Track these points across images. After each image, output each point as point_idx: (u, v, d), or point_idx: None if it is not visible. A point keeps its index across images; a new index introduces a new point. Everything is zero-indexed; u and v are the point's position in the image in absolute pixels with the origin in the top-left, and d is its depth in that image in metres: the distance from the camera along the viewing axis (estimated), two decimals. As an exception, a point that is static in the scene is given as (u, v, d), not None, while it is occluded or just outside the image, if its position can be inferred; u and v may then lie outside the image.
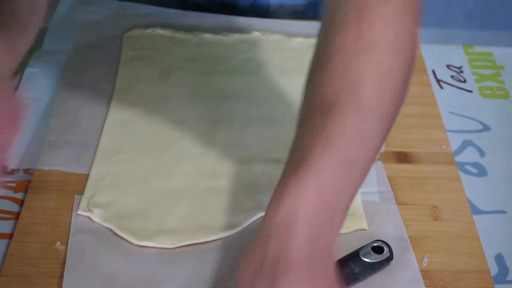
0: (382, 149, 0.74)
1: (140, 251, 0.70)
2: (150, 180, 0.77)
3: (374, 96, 0.59)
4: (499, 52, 1.03)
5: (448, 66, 0.99)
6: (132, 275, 0.67)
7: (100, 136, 0.82)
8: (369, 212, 0.75)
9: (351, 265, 0.66)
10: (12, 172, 0.79)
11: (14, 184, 0.78)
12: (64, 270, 0.67)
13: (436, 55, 1.00)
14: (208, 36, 0.98)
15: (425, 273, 0.69)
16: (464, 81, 0.97)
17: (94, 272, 0.67)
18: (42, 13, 0.72)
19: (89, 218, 0.73)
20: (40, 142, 0.81)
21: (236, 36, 0.98)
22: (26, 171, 0.79)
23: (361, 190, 0.64)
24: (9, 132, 0.58)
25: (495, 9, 2.10)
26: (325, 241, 0.56)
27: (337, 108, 0.59)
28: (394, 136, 0.82)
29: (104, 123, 0.83)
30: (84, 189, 0.75)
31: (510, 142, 0.87)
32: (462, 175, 0.81)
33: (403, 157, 0.82)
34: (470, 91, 0.95)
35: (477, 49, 1.03)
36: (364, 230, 0.73)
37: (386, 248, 0.69)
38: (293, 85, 0.90)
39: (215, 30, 0.99)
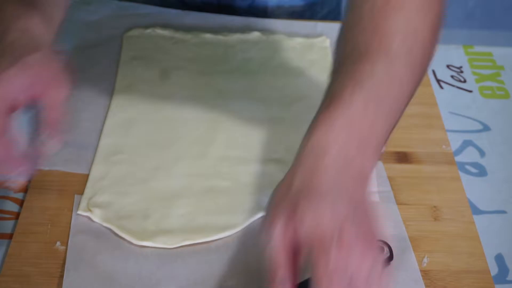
0: (383, 150, 0.74)
1: (140, 251, 0.70)
2: (150, 180, 0.77)
3: (403, 47, 0.63)
4: (499, 52, 1.03)
5: (448, 66, 0.99)
6: (132, 275, 0.67)
7: (100, 136, 0.82)
8: (369, 212, 0.75)
9: None
10: (12, 172, 0.79)
11: (14, 184, 0.78)
12: (64, 270, 0.67)
13: (436, 55, 1.00)
14: (208, 36, 0.98)
15: (425, 273, 0.70)
16: (464, 81, 0.97)
17: (94, 272, 0.67)
18: None
19: (89, 218, 0.73)
20: (40, 142, 0.81)
21: (236, 36, 0.98)
22: (26, 171, 0.79)
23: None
24: (59, 91, 0.65)
25: (495, 9, 2.10)
26: (355, 171, 0.58)
27: (367, 56, 0.63)
28: (394, 136, 0.81)
29: (104, 123, 0.83)
30: (84, 189, 0.75)
31: (510, 142, 0.87)
32: (462, 175, 0.81)
33: (403, 157, 0.82)
34: (470, 91, 0.95)
35: (477, 49, 1.03)
36: (364, 230, 0.73)
37: (386, 248, 0.69)
38: (293, 85, 0.90)
39: (215, 30, 0.99)
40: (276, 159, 0.80)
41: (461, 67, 0.99)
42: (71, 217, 0.73)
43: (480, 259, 0.72)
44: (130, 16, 1.00)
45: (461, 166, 0.83)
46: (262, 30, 0.99)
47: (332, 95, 0.63)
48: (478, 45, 1.04)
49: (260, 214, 0.73)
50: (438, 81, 0.96)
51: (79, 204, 0.74)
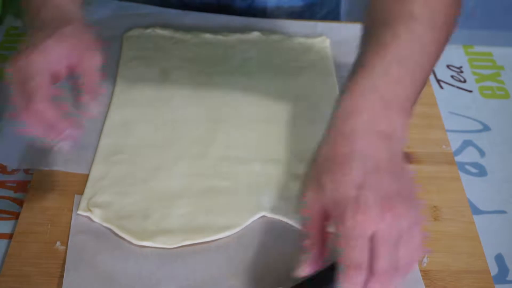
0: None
1: (140, 251, 0.70)
2: (150, 180, 0.77)
3: (425, 10, 0.68)
4: (499, 52, 1.03)
5: (448, 66, 0.99)
6: (132, 275, 0.67)
7: (100, 136, 0.82)
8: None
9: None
10: (12, 172, 0.79)
11: (14, 184, 0.78)
12: (64, 270, 0.67)
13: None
14: (208, 36, 0.98)
15: (425, 273, 0.70)
16: (464, 81, 0.97)
17: (94, 272, 0.67)
18: None
19: (89, 218, 0.73)
20: (40, 142, 0.81)
21: (236, 36, 0.98)
22: (26, 171, 0.79)
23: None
24: (93, 59, 0.70)
25: (495, 9, 2.10)
26: (381, 133, 0.62)
27: (390, 21, 0.68)
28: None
29: (104, 123, 0.83)
30: (84, 189, 0.75)
31: (510, 142, 0.87)
32: (462, 175, 0.81)
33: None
34: (470, 91, 0.95)
35: (477, 49, 1.03)
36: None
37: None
38: (293, 85, 0.90)
39: (215, 30, 0.99)
40: (276, 159, 0.80)
41: (461, 67, 0.99)
42: (71, 217, 0.73)
43: (480, 259, 0.72)
44: (130, 16, 1.00)
45: (461, 166, 0.83)
46: (262, 30, 0.99)
47: (358, 62, 0.68)
48: (478, 45, 1.04)
49: (260, 214, 0.73)
50: (438, 81, 0.96)
51: (79, 204, 0.74)
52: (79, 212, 0.73)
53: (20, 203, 0.75)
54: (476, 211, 0.78)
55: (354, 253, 0.57)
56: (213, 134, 0.83)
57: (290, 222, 0.73)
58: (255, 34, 0.98)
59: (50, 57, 0.67)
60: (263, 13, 1.06)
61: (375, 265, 0.57)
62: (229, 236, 0.72)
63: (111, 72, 0.91)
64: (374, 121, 0.62)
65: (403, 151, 0.63)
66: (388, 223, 0.57)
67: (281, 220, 0.73)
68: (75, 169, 0.78)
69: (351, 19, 1.19)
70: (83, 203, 0.74)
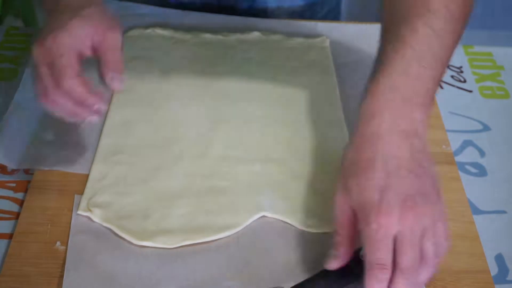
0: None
1: (140, 251, 0.70)
2: (150, 180, 0.77)
3: (441, 3, 0.70)
4: (499, 52, 1.03)
5: (448, 66, 0.99)
6: (132, 275, 0.67)
7: (100, 136, 0.82)
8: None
9: (351, 266, 0.66)
10: (12, 172, 0.79)
11: (14, 184, 0.78)
12: (64, 270, 0.67)
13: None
14: (207, 36, 0.98)
15: (425, 273, 0.69)
16: (464, 81, 0.97)
17: (94, 272, 0.67)
18: None
19: (89, 218, 0.73)
20: (40, 142, 0.81)
21: (236, 36, 0.98)
22: (26, 171, 0.79)
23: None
24: (115, 37, 0.74)
25: (495, 9, 2.10)
26: (401, 132, 0.65)
27: (407, 16, 0.70)
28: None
29: (104, 123, 0.83)
30: (84, 189, 0.75)
31: (510, 142, 0.88)
32: (462, 175, 0.81)
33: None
34: (470, 91, 0.95)
35: (477, 49, 1.03)
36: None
37: None
38: (293, 85, 0.90)
39: (214, 30, 0.99)
40: (276, 159, 0.80)
41: (461, 67, 0.99)
42: (71, 217, 0.73)
43: (480, 259, 0.72)
44: (130, 16, 1.00)
45: (461, 166, 0.83)
46: (262, 30, 0.99)
47: (378, 60, 0.70)
48: (478, 45, 1.04)
49: (260, 214, 0.73)
50: (438, 81, 0.96)
51: (79, 204, 0.74)
52: (79, 212, 0.73)
53: (20, 203, 0.75)
54: (476, 211, 0.78)
55: (378, 253, 0.61)
56: (213, 134, 0.83)
57: (290, 222, 0.73)
58: (255, 34, 0.98)
59: (76, 36, 0.71)
60: (264, 13, 1.06)
61: (400, 262, 0.61)
62: (229, 236, 0.72)
63: (111, 72, 0.90)
64: (396, 122, 0.65)
65: (426, 147, 0.66)
66: (411, 223, 0.61)
67: (281, 220, 0.73)
68: (75, 169, 0.78)
69: (351, 17, 1.19)
70: (83, 203, 0.74)
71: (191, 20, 1.01)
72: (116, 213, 0.73)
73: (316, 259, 0.69)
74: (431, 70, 0.68)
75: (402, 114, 0.66)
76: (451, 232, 0.73)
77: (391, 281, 0.61)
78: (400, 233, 0.61)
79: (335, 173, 0.78)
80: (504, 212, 0.78)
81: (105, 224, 0.72)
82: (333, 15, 1.14)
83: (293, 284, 0.66)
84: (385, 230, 0.61)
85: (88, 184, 0.76)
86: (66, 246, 0.70)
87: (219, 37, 0.98)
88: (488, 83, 0.97)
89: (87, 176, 0.77)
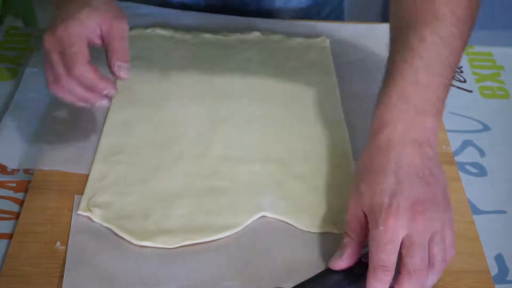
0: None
1: (140, 251, 0.70)
2: (150, 180, 0.77)
3: (448, 8, 0.71)
4: (499, 52, 1.03)
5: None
6: (132, 275, 0.67)
7: (100, 136, 0.82)
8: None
9: (352, 267, 0.66)
10: (12, 172, 0.79)
11: (14, 184, 0.78)
12: (64, 270, 0.67)
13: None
14: (208, 36, 0.98)
15: (425, 273, 0.69)
16: (464, 81, 0.97)
17: (94, 272, 0.67)
18: None
19: (89, 218, 0.73)
20: (40, 142, 0.81)
21: (236, 36, 0.98)
22: (26, 171, 0.79)
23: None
24: (122, 26, 0.77)
25: (495, 9, 2.10)
26: (413, 141, 0.66)
27: (415, 23, 0.71)
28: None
29: (104, 123, 0.83)
30: (84, 189, 0.75)
31: (510, 142, 0.87)
32: (462, 175, 0.81)
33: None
34: (470, 91, 0.95)
35: (477, 49, 1.03)
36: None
37: None
38: (293, 85, 0.90)
39: (214, 30, 0.99)
40: (276, 159, 0.80)
41: (461, 67, 0.99)
42: (71, 217, 0.73)
43: (480, 259, 0.72)
44: (130, 16, 0.99)
45: (461, 166, 0.83)
46: (262, 30, 0.99)
47: (388, 70, 0.71)
48: (478, 45, 1.04)
49: (260, 214, 0.73)
50: (438, 81, 0.96)
51: (79, 204, 0.74)
52: (79, 212, 0.73)
53: (20, 203, 0.75)
54: (476, 211, 0.78)
55: (383, 256, 0.62)
56: (213, 134, 0.83)
57: (290, 222, 0.73)
58: (255, 34, 0.98)
59: (86, 25, 0.75)
60: (269, 14, 1.06)
61: (407, 264, 0.62)
62: (229, 236, 0.72)
63: (111, 72, 0.91)
64: (408, 131, 0.67)
65: (436, 156, 0.67)
66: (419, 227, 0.62)
67: (281, 220, 0.73)
68: (75, 169, 0.78)
69: (352, 17, 1.19)
70: (83, 203, 0.74)
71: (191, 20, 1.02)
72: (116, 213, 0.73)
73: (316, 259, 0.69)
74: (440, 77, 0.70)
75: (415, 124, 0.67)
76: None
77: (396, 283, 0.62)
78: (408, 236, 0.62)
79: (335, 173, 0.78)
80: (504, 212, 0.78)
81: (105, 224, 0.72)
82: (336, 15, 1.14)
83: (293, 284, 0.66)
84: (392, 233, 0.62)
85: (88, 184, 0.76)
86: (66, 246, 0.70)
87: (219, 37, 0.98)
88: (488, 83, 0.97)
89: (87, 176, 0.77)
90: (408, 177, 0.65)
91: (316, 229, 0.72)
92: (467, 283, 0.69)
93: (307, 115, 0.86)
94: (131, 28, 0.97)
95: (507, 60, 1.01)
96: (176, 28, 0.99)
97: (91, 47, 0.75)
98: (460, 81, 0.97)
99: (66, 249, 0.69)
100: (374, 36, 1.00)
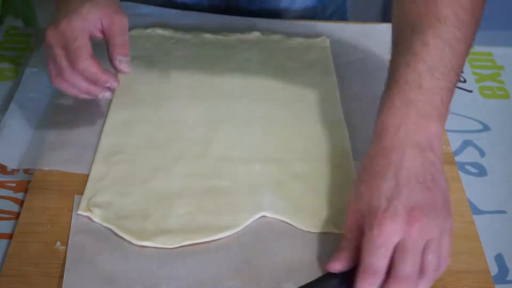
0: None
1: (140, 251, 0.70)
2: (150, 180, 0.77)
3: (451, 10, 0.70)
4: (499, 52, 1.03)
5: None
6: (132, 275, 0.67)
7: (100, 136, 0.82)
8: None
9: (351, 270, 0.66)
10: (12, 172, 0.79)
11: (14, 184, 0.78)
12: (64, 270, 0.67)
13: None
14: (208, 36, 0.98)
15: (425, 273, 0.69)
16: (464, 81, 0.97)
17: (94, 272, 0.67)
18: None
19: (89, 218, 0.73)
20: (40, 142, 0.81)
21: (236, 36, 0.98)
22: (26, 171, 0.79)
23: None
24: (122, 21, 0.80)
25: (495, 9, 2.10)
26: (414, 146, 0.66)
27: (417, 26, 0.71)
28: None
29: (104, 123, 0.83)
30: (84, 189, 0.75)
31: (510, 142, 0.87)
32: (462, 175, 0.81)
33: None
34: (470, 91, 0.95)
35: (477, 49, 1.03)
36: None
37: None
38: (293, 85, 0.90)
39: (215, 30, 0.99)
40: (276, 159, 0.80)
41: (461, 67, 0.99)
42: (71, 217, 0.73)
43: (480, 259, 0.72)
44: (130, 16, 1.00)
45: (461, 166, 0.83)
46: (262, 30, 0.99)
47: (391, 74, 0.71)
48: (478, 45, 1.03)
49: (260, 214, 0.73)
50: (438, 81, 0.96)
51: (79, 204, 0.74)
52: (79, 212, 0.73)
53: (20, 203, 0.75)
54: (476, 211, 0.78)
55: (374, 259, 0.61)
56: (213, 134, 0.83)
57: (290, 222, 0.73)
58: (255, 34, 0.98)
59: (88, 19, 0.77)
60: (274, 14, 1.05)
61: (397, 270, 0.61)
62: (229, 236, 0.72)
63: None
64: (410, 135, 0.66)
65: (439, 161, 0.66)
66: (414, 234, 0.61)
67: (281, 220, 0.73)
68: (75, 169, 0.78)
69: (352, 17, 1.19)
70: (83, 203, 0.74)
71: (191, 20, 1.01)
72: (116, 213, 0.73)
73: (316, 259, 0.69)
74: (444, 81, 0.69)
75: (418, 129, 0.66)
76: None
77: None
78: (402, 241, 0.61)
79: (335, 173, 0.78)
80: (504, 212, 0.78)
81: (105, 224, 0.72)
82: (339, 14, 1.14)
83: (293, 284, 0.66)
84: (385, 237, 0.61)
85: (88, 184, 0.76)
86: (66, 246, 0.70)
87: (219, 37, 0.98)
88: (488, 83, 0.97)
89: (87, 176, 0.77)
90: (408, 181, 0.64)
91: (316, 229, 0.72)
92: (467, 283, 0.69)
93: (307, 115, 0.86)
94: (131, 28, 0.97)
95: (507, 60, 1.01)
96: (176, 28, 0.99)
97: (92, 40, 0.77)
98: (460, 81, 0.97)
99: (66, 249, 0.69)
100: (374, 36, 1.00)
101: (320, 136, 0.83)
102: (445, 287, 0.69)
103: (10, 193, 0.77)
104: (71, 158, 0.79)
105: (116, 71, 0.79)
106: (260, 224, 0.73)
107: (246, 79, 0.91)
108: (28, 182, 0.77)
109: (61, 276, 0.67)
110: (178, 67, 0.92)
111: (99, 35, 0.79)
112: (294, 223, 0.73)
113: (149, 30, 0.98)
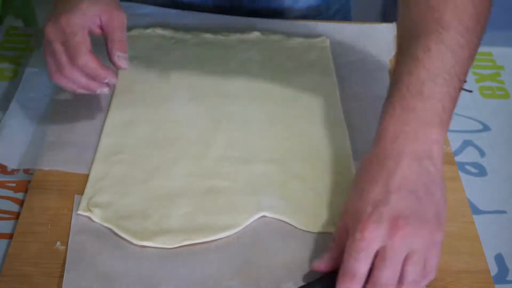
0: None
1: (140, 251, 0.70)
2: (150, 180, 0.77)
3: (455, 17, 0.70)
4: (499, 52, 1.03)
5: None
6: (132, 275, 0.67)
7: (100, 136, 0.82)
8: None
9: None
10: (12, 172, 0.79)
11: (14, 184, 0.78)
12: (64, 270, 0.67)
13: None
14: (208, 36, 0.98)
15: (425, 273, 0.69)
16: (464, 81, 0.97)
17: (94, 272, 0.67)
18: None
19: (89, 218, 0.73)
20: (40, 142, 0.81)
21: (236, 36, 0.98)
22: (26, 171, 0.79)
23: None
24: (120, 17, 0.80)
25: (495, 9, 2.10)
26: (413, 154, 0.65)
27: (420, 33, 0.70)
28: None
29: (104, 123, 0.83)
30: (84, 189, 0.75)
31: (510, 142, 0.87)
32: (462, 175, 0.81)
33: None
34: (470, 91, 0.95)
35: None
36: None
37: None
38: (293, 85, 0.90)
39: (215, 30, 0.99)
40: (276, 159, 0.80)
41: (461, 67, 0.99)
42: (71, 217, 0.73)
43: (480, 259, 0.72)
44: (130, 16, 1.00)
45: (461, 166, 0.83)
46: (262, 30, 0.99)
47: (393, 81, 0.70)
48: (478, 45, 1.04)
49: (260, 214, 0.73)
50: (438, 81, 0.96)
51: (79, 204, 0.74)
52: (79, 212, 0.73)
53: (20, 203, 0.75)
54: (476, 211, 0.78)
55: (354, 263, 0.60)
56: (213, 134, 0.83)
57: (290, 222, 0.73)
58: (255, 34, 0.98)
59: (87, 16, 0.78)
60: (278, 13, 1.05)
61: (373, 277, 0.60)
62: (229, 236, 0.72)
63: (111, 72, 0.91)
64: (409, 143, 0.65)
65: (438, 171, 0.66)
66: (396, 242, 0.60)
67: (281, 220, 0.73)
68: (75, 169, 0.78)
69: (354, 15, 1.19)
70: (83, 203, 0.74)
71: (191, 20, 1.01)
72: (116, 213, 0.73)
73: (316, 259, 0.69)
74: (447, 87, 0.68)
75: (417, 136, 0.66)
76: (449, 235, 0.73)
77: None
78: (383, 249, 0.61)
79: (335, 173, 0.78)
80: (504, 212, 0.78)
81: (105, 224, 0.72)
82: (343, 13, 1.14)
83: (293, 284, 0.66)
84: (367, 242, 0.61)
85: (88, 184, 0.76)
86: (66, 246, 0.70)
87: (219, 37, 0.98)
88: (488, 83, 0.97)
89: (87, 176, 0.77)
90: (398, 189, 0.63)
91: (316, 229, 0.72)
92: (467, 283, 0.69)
93: (307, 115, 0.86)
94: (131, 28, 0.98)
95: (507, 60, 1.01)
96: (176, 28, 0.99)
97: (90, 36, 0.78)
98: (460, 81, 0.97)
99: (66, 249, 0.69)
100: (374, 36, 1.00)
101: (320, 136, 0.83)
102: (445, 287, 0.69)
103: (10, 193, 0.77)
104: (71, 158, 0.79)
105: (114, 67, 0.79)
106: (260, 224, 0.73)
107: (246, 79, 0.91)
108: (28, 182, 0.77)
109: (61, 276, 0.67)
110: (178, 67, 0.92)
111: (98, 31, 0.79)
112: (294, 223, 0.73)
113: (149, 30, 0.98)
